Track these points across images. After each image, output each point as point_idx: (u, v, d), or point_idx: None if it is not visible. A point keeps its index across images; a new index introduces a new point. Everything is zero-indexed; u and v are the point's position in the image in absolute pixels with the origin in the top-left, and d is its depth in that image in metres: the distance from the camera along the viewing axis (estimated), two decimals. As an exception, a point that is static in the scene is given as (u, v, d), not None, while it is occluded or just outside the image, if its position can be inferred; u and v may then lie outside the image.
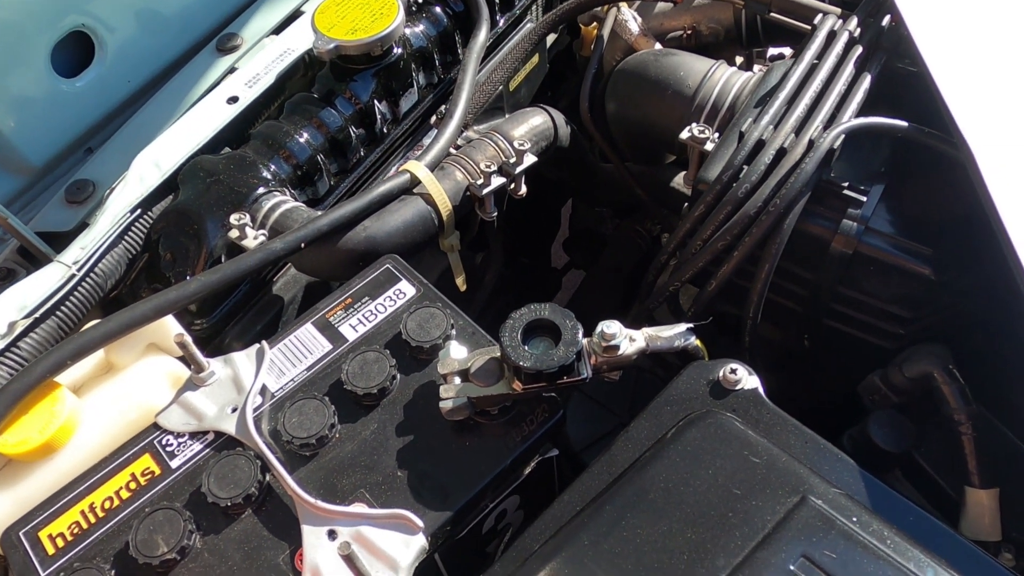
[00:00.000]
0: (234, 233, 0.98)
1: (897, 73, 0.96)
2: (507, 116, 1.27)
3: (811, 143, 0.87)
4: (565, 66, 1.64)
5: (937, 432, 0.83)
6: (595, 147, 1.38)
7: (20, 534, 0.76)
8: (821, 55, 0.96)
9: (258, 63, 1.20)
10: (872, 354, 0.94)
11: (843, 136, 0.86)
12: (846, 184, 0.88)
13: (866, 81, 0.92)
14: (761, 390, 0.75)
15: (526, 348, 0.76)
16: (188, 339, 0.82)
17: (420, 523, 0.73)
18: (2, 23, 1.09)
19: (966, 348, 0.87)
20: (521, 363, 0.74)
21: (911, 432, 0.84)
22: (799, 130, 0.89)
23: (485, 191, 1.06)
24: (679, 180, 1.34)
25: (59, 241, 1.08)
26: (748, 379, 0.77)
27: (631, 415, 1.32)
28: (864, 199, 0.87)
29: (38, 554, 0.75)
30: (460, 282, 1.15)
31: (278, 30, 1.33)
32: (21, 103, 1.15)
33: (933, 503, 0.85)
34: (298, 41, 1.22)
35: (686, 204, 1.10)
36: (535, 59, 1.41)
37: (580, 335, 0.76)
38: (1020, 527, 0.79)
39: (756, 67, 1.41)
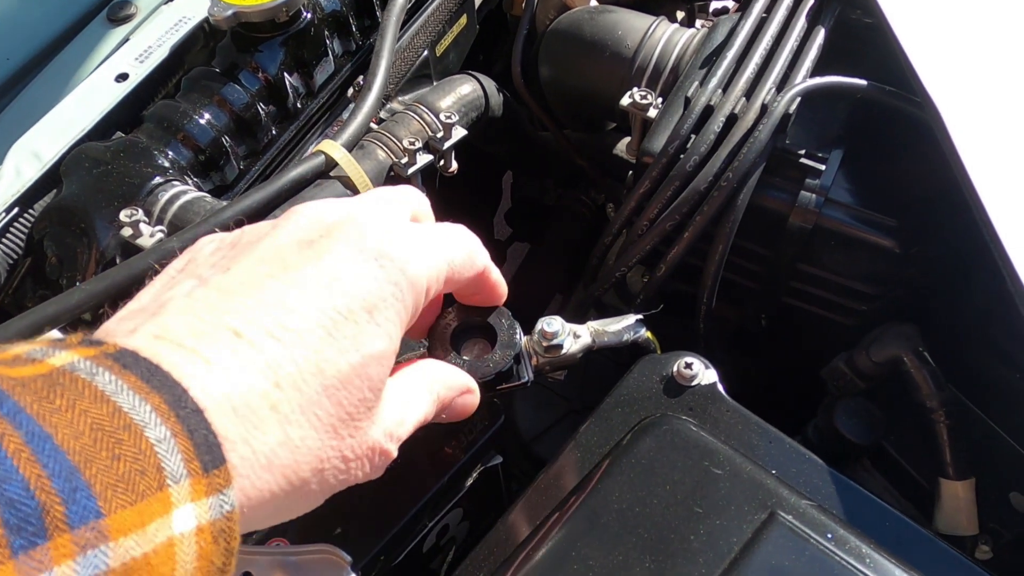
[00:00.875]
0: (127, 231, 0.87)
1: (853, 25, 0.89)
2: (433, 86, 1.16)
3: (764, 108, 0.79)
4: (497, 27, 1.54)
5: (908, 418, 0.78)
6: (532, 115, 1.28)
7: None
8: (770, 8, 0.88)
9: (149, 35, 1.07)
10: (833, 332, 0.88)
11: (799, 99, 0.78)
12: (803, 152, 0.81)
13: (820, 35, 0.85)
14: (719, 385, 0.68)
15: (457, 353, 0.68)
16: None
17: (348, 558, 0.65)
18: None
19: (932, 321, 0.82)
20: (452, 371, 0.66)
21: (880, 421, 0.78)
22: (750, 93, 0.81)
23: (411, 170, 0.96)
24: (622, 147, 1.26)
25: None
26: (705, 373, 0.70)
27: (582, 400, 1.25)
28: (823, 168, 0.80)
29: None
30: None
31: (177, -3, 1.20)
32: None
33: (905, 494, 0.80)
34: (194, 8, 1.10)
35: (630, 174, 1.02)
36: (463, 20, 1.30)
37: (518, 335, 0.68)
38: (997, 516, 0.75)
39: (699, 23, 1.33)
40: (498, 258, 1.87)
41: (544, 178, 1.51)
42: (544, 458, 1.18)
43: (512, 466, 0.85)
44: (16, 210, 0.92)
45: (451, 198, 1.31)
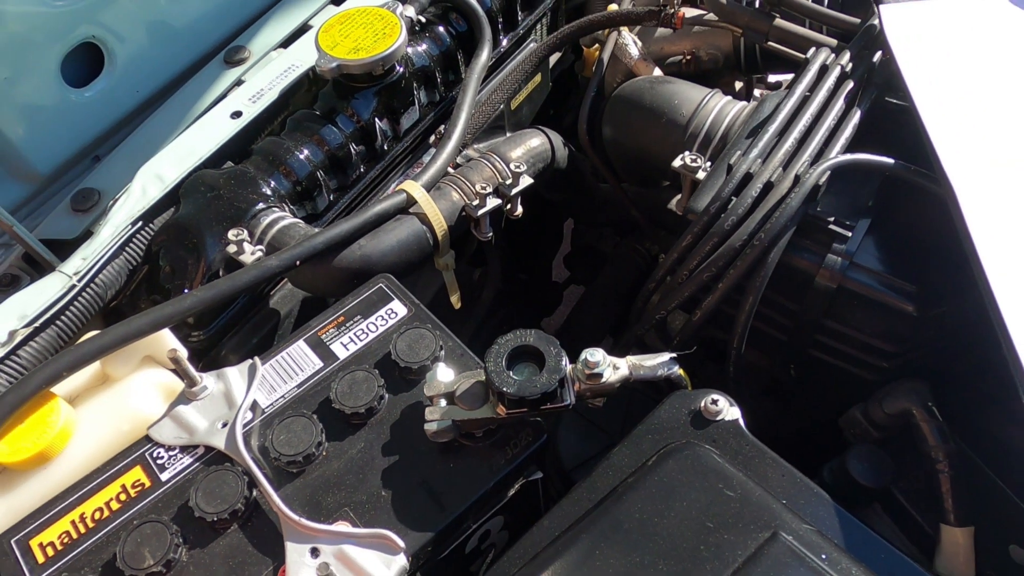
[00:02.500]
0: (232, 248, 1.00)
1: (887, 107, 0.97)
2: (506, 136, 1.28)
3: (797, 178, 0.88)
4: (568, 85, 1.66)
5: (916, 467, 0.84)
6: (593, 168, 1.39)
7: (12, 542, 0.78)
8: (813, 88, 0.97)
9: (262, 78, 1.22)
10: (856, 385, 0.95)
11: (829, 172, 0.87)
12: (832, 219, 0.89)
13: (856, 116, 0.93)
14: (741, 421, 0.76)
15: (510, 374, 0.77)
16: (181, 354, 0.84)
17: (402, 543, 0.74)
18: (14, 35, 1.11)
19: (948, 380, 0.88)
20: (504, 389, 0.75)
21: (889, 468, 0.85)
22: (787, 164, 0.90)
23: (480, 212, 1.07)
24: (675, 203, 1.35)
25: (64, 248, 1.10)
26: (729, 410, 0.78)
27: (623, 434, 1.33)
28: (849, 234, 0.88)
29: (28, 562, 0.77)
30: (455, 300, 1.16)
31: (285, 43, 1.36)
32: (30, 112, 1.18)
33: (911, 538, 0.85)
34: (303, 57, 1.24)
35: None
36: (537, 78, 1.42)
37: (564, 362, 0.77)
38: (994, 563, 0.80)
39: (757, 91, 1.43)
40: (555, 299, 1.97)
41: (602, 226, 1.61)
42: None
43: (552, 491, 0.93)
44: (140, 224, 1.06)
45: (516, 240, 1.42)
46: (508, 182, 1.10)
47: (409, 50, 1.21)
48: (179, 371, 0.85)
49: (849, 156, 0.89)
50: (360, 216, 1.01)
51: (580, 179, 1.32)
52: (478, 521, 0.82)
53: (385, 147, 1.22)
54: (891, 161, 0.89)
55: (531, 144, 1.19)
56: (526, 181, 1.11)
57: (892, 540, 0.83)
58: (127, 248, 1.05)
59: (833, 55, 1.00)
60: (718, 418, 0.78)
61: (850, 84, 0.96)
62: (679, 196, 1.35)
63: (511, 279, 1.59)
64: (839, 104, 0.94)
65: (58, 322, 0.98)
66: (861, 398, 0.92)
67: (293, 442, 0.81)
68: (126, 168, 1.20)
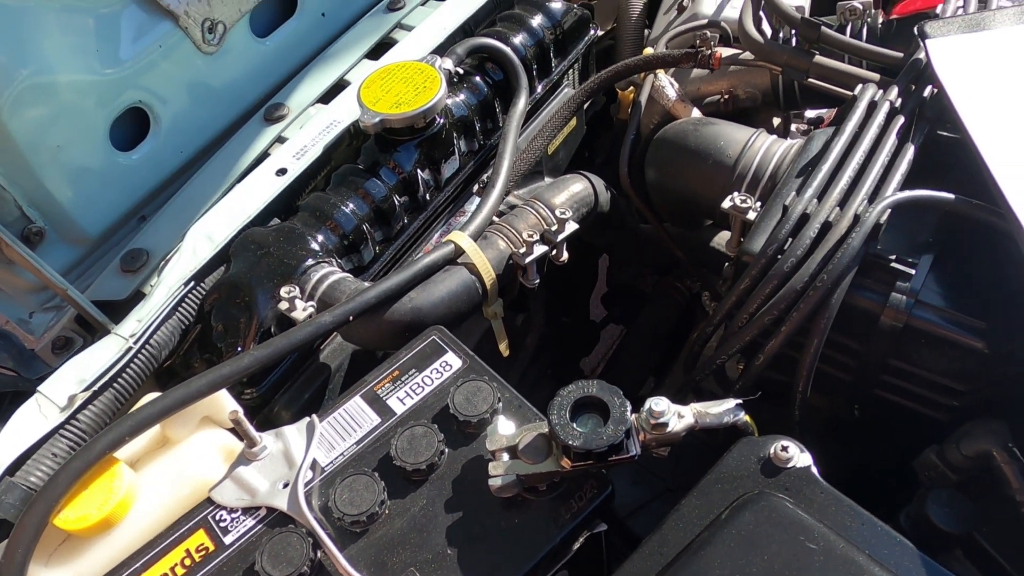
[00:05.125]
0: (284, 305, 1.01)
1: (941, 141, 0.96)
2: (548, 182, 1.29)
3: (856, 217, 0.87)
4: (601, 126, 1.67)
5: (999, 511, 0.81)
6: (633, 207, 1.39)
7: (79, 612, 0.77)
8: (863, 125, 0.97)
9: (305, 135, 1.24)
10: (926, 425, 0.92)
11: (889, 210, 0.86)
12: (893, 257, 0.87)
13: (910, 152, 0.92)
14: (814, 468, 0.75)
15: (575, 426, 0.76)
16: (242, 416, 0.84)
17: (472, 602, 0.73)
18: (66, 104, 1.14)
19: (1021, 418, 0.85)
20: (571, 442, 0.74)
21: (972, 513, 0.82)
22: (843, 203, 0.90)
23: (528, 260, 1.07)
24: (719, 240, 1.34)
25: (114, 309, 1.12)
26: (800, 456, 0.76)
27: (675, 478, 1.30)
28: (912, 272, 0.86)
29: (96, 632, 0.76)
30: (503, 348, 1.16)
31: (323, 99, 1.38)
32: (80, 177, 1.20)
33: (997, 586, 0.82)
34: (344, 113, 1.26)
35: (727, 265, 1.10)
36: (573, 122, 1.43)
37: (629, 413, 0.76)
38: (1088, 610, 0.76)
39: (794, 126, 1.43)
40: (593, 339, 1.96)
41: (642, 267, 1.60)
42: (639, 534, 1.23)
43: (613, 546, 0.91)
44: (192, 284, 1.08)
45: (550, 278, 1.42)
46: (554, 228, 1.10)
47: (448, 101, 1.22)
48: (239, 432, 0.85)
49: (909, 192, 0.88)
50: (410, 269, 1.01)
51: (623, 222, 1.32)
52: (545, 576, 0.81)
53: (428, 197, 1.23)
54: (952, 196, 0.87)
55: (574, 189, 1.19)
56: (572, 227, 1.11)
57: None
58: (180, 308, 1.06)
59: (880, 91, 1.00)
60: (789, 465, 0.76)
61: (901, 119, 0.95)
62: (722, 234, 1.35)
63: (552, 322, 1.59)
64: (891, 140, 0.93)
65: (115, 384, 0.99)
66: (930, 437, 0.89)
67: (356, 501, 0.80)
68: (172, 227, 1.23)
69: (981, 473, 0.83)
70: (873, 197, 0.90)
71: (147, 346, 1.02)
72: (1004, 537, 0.82)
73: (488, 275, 1.05)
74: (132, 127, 1.27)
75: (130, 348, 1.00)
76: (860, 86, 1.01)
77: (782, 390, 0.96)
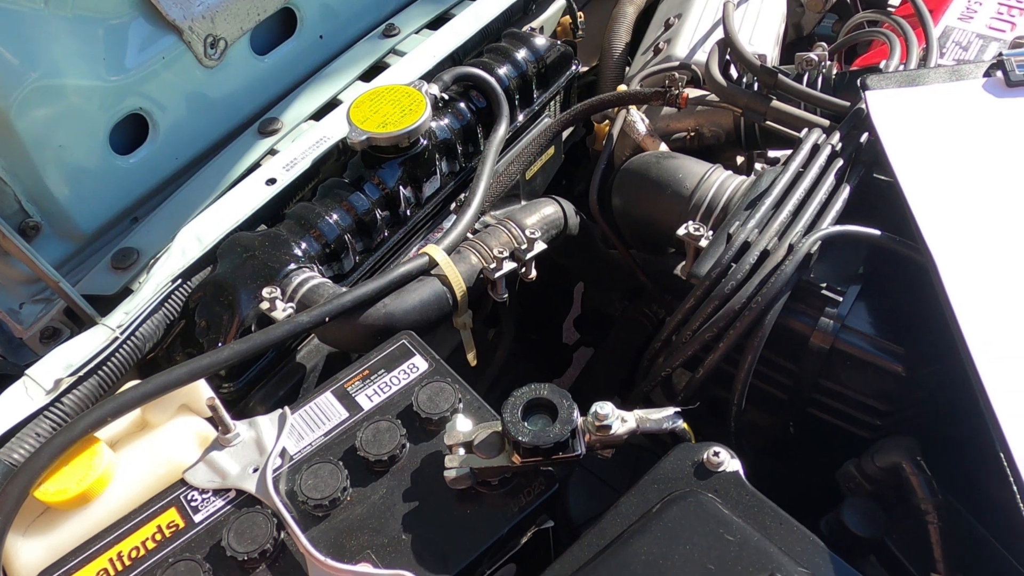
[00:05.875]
0: (265, 305, 1.07)
1: (874, 183, 1.05)
2: (522, 204, 1.36)
3: (791, 247, 0.95)
4: (579, 156, 1.75)
5: (907, 518, 0.89)
6: (603, 235, 1.46)
7: (52, 578, 0.82)
8: (806, 165, 1.05)
9: (296, 148, 1.31)
10: (851, 442, 1.00)
11: (820, 242, 0.94)
12: (824, 285, 0.96)
13: (845, 191, 1.01)
14: (742, 473, 0.81)
15: (525, 424, 0.83)
16: (218, 403, 0.90)
17: (420, 584, 0.79)
18: (72, 107, 1.20)
19: (939, 438, 0.93)
20: (520, 438, 0.81)
21: (882, 519, 0.89)
22: (782, 234, 0.98)
23: (497, 275, 1.14)
24: (680, 268, 1.42)
25: (102, 304, 1.17)
26: (730, 462, 0.83)
27: (628, 488, 1.36)
28: (840, 299, 0.94)
29: (68, 597, 0.81)
30: (471, 358, 1.22)
31: (316, 116, 1.45)
32: (78, 176, 1.26)
33: (904, 588, 0.89)
34: (332, 130, 1.33)
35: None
36: (551, 151, 1.51)
37: (576, 414, 0.83)
38: (984, 615, 0.83)
39: (758, 165, 1.51)
40: (565, 361, 2.03)
41: (610, 291, 1.68)
42: (591, 540, 1.29)
43: (563, 545, 0.97)
44: (179, 281, 1.14)
45: (529, 304, 1.49)
46: (523, 247, 1.17)
47: (433, 124, 1.30)
48: (215, 418, 0.91)
49: (839, 227, 0.96)
50: (385, 277, 1.08)
51: (590, 245, 1.39)
52: (492, 566, 0.86)
53: (408, 213, 1.30)
54: (878, 232, 0.96)
55: (545, 212, 1.27)
56: (540, 247, 1.18)
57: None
58: (166, 304, 1.12)
59: (824, 135, 1.09)
60: (720, 469, 0.82)
61: (840, 162, 1.04)
62: (684, 263, 1.43)
63: (524, 339, 1.66)
64: (830, 180, 1.02)
65: (100, 372, 1.04)
66: (855, 454, 0.97)
67: (320, 487, 0.86)
68: (163, 229, 1.29)
69: (893, 484, 0.90)
70: (810, 230, 0.98)
71: (132, 337, 1.07)
72: (911, 543, 0.88)
73: (459, 287, 1.12)
74: (131, 132, 1.33)
75: (116, 338, 1.06)
76: (806, 130, 1.10)
77: (725, 407, 1.03)
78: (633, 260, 1.39)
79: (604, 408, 0.84)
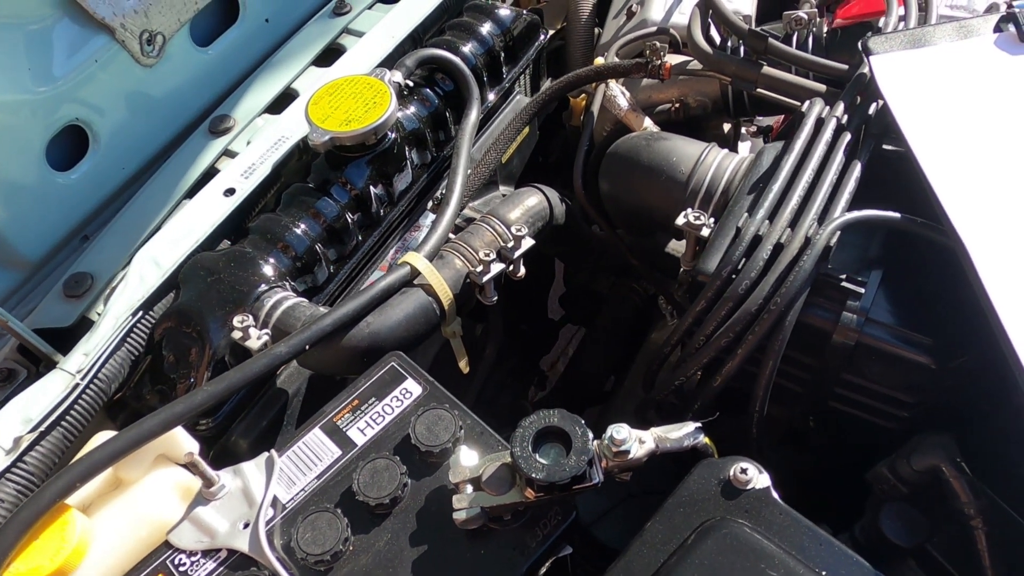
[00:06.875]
0: (237, 334, 0.99)
1: (884, 156, 0.98)
2: (502, 195, 1.28)
3: (807, 239, 0.88)
4: (552, 128, 1.66)
5: (949, 523, 0.84)
6: (585, 214, 1.39)
7: (36, 668, 0.75)
8: (811, 142, 0.98)
9: (253, 152, 1.21)
10: (877, 434, 0.95)
11: (839, 232, 0.88)
12: (844, 276, 0.89)
13: (857, 169, 0.94)
14: (772, 490, 0.76)
15: (537, 457, 0.77)
16: (197, 457, 0.82)
17: (438, 638, 0.73)
18: (-2, 126, 1.09)
19: (971, 426, 0.88)
20: (534, 475, 0.75)
21: (923, 526, 0.85)
22: (794, 223, 0.91)
23: (485, 278, 1.07)
24: (674, 247, 1.36)
25: (59, 336, 1.08)
26: (758, 478, 0.78)
27: (638, 483, 1.32)
28: (862, 291, 0.88)
29: None
30: (463, 365, 1.15)
31: (270, 109, 1.35)
32: (15, 198, 1.16)
33: (950, 595, 0.85)
34: (291, 128, 1.23)
35: (682, 271, 1.10)
36: (526, 130, 1.42)
37: (591, 442, 0.77)
38: (1035, 618, 0.80)
39: (744, 129, 1.44)
40: (551, 336, 1.97)
41: (597, 272, 1.61)
42: (603, 541, 1.24)
43: (574, 549, 0.92)
44: (140, 313, 1.04)
45: (513, 291, 1.41)
46: (510, 245, 1.10)
47: (399, 114, 1.20)
48: (195, 473, 0.83)
49: (857, 213, 0.90)
50: (366, 293, 1.00)
51: (578, 232, 1.32)
52: (511, 606, 0.81)
53: (381, 212, 1.21)
54: (898, 216, 0.89)
55: (529, 204, 1.19)
56: (528, 243, 1.10)
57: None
58: (128, 339, 1.03)
59: (827, 107, 1.01)
60: (748, 487, 0.77)
61: (847, 136, 0.97)
62: (675, 241, 1.36)
63: (512, 330, 1.59)
64: (839, 158, 0.95)
65: (64, 423, 0.95)
66: (882, 445, 0.92)
67: (319, 540, 0.79)
68: (117, 248, 1.19)
69: (931, 486, 0.85)
70: (823, 216, 0.91)
71: (95, 381, 0.98)
72: (954, 547, 0.85)
73: (445, 295, 1.04)
74: (71, 145, 1.22)
75: (77, 384, 0.97)
76: (808, 102, 1.02)
77: (740, 401, 0.98)
78: (622, 242, 1.32)
79: (621, 432, 0.78)
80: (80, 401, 0.97)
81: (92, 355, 1.00)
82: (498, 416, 1.20)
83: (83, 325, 1.11)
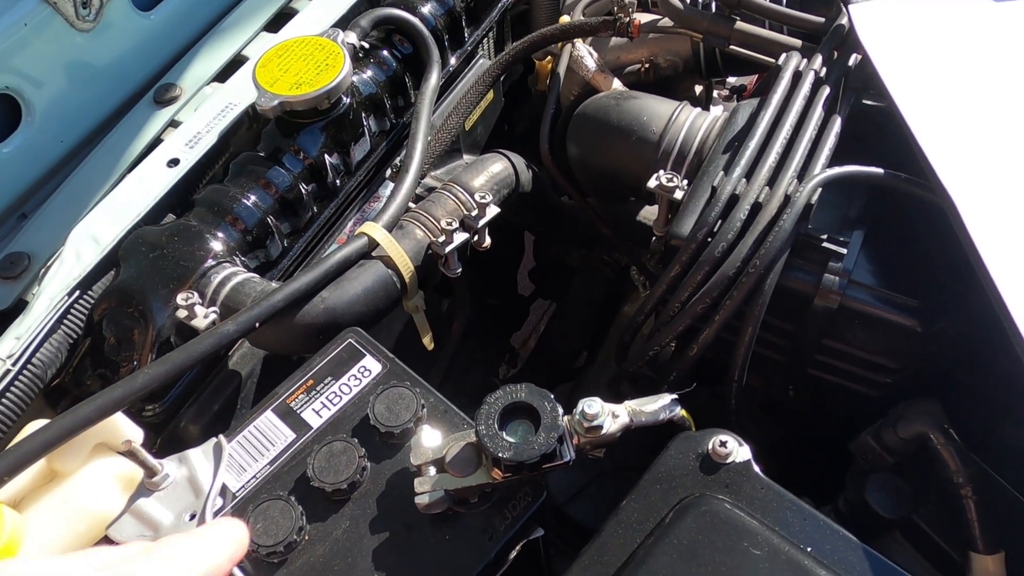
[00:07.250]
0: (182, 313, 0.92)
1: (865, 110, 0.94)
2: (465, 162, 1.22)
3: (787, 197, 0.83)
4: (519, 96, 1.60)
5: (937, 492, 0.81)
6: (554, 182, 1.33)
7: None
8: (788, 98, 0.93)
9: (198, 120, 1.13)
10: (859, 402, 0.91)
11: (820, 188, 0.83)
12: (825, 236, 0.85)
13: (836, 124, 0.89)
14: (753, 464, 0.72)
15: (504, 435, 0.71)
16: (136, 445, 0.76)
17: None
18: (-86, 96, 1.01)
19: (956, 390, 0.85)
20: (500, 454, 0.70)
21: (909, 496, 0.81)
22: (772, 181, 0.86)
23: (448, 248, 1.01)
24: (645, 214, 1.31)
25: (-6, 320, 1.01)
26: (739, 451, 0.73)
27: (612, 459, 1.27)
28: (844, 251, 0.84)
29: None
30: (427, 342, 1.09)
31: (219, 77, 1.27)
32: (-57, 177, 1.08)
33: (937, 566, 0.82)
34: (240, 94, 1.16)
35: (654, 240, 1.06)
36: (490, 96, 1.36)
37: (560, 418, 0.72)
38: (1026, 586, 0.77)
39: (716, 93, 1.39)
40: (522, 312, 1.92)
41: (567, 243, 1.56)
42: (578, 520, 1.20)
43: (547, 529, 0.88)
44: (77, 293, 0.97)
45: (481, 263, 1.36)
46: (474, 214, 1.04)
47: (354, 78, 1.13)
48: (136, 462, 0.77)
49: (839, 169, 0.85)
50: (320, 266, 0.94)
51: (546, 200, 1.26)
52: (481, 591, 0.76)
53: (338, 183, 1.14)
54: (882, 172, 0.85)
55: (493, 170, 1.13)
56: (493, 211, 1.05)
57: (917, 570, 0.80)
58: (65, 321, 0.96)
59: (804, 60, 0.96)
60: (728, 460, 0.73)
61: (826, 90, 0.92)
62: (648, 208, 1.31)
63: (480, 304, 1.53)
64: (818, 112, 0.90)
65: (-6, 413, 0.88)
66: (864, 414, 0.88)
67: (271, 530, 0.74)
68: (56, 226, 1.11)
69: (918, 454, 0.82)
70: (802, 174, 0.87)
71: (29, 366, 0.91)
72: (942, 517, 0.81)
73: (406, 268, 0.98)
74: (2, 117, 1.14)
75: (8, 371, 0.90)
76: (784, 55, 0.97)
77: (716, 371, 0.93)
78: (592, 210, 1.26)
79: (592, 406, 0.73)
80: (12, 388, 0.90)
81: (24, 339, 0.93)
82: (467, 395, 1.15)
83: (20, 308, 1.04)
